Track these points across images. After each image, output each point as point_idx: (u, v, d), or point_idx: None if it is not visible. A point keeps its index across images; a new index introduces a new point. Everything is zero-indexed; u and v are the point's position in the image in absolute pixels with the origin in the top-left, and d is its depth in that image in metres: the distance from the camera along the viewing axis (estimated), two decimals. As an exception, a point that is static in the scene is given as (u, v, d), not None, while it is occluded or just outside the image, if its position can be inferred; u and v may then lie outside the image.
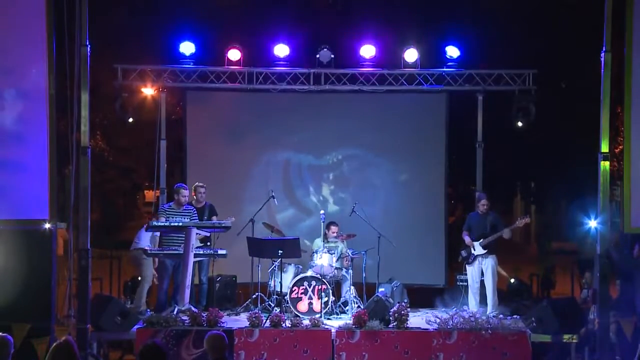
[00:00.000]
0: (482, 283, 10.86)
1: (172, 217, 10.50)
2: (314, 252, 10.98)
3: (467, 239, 10.96)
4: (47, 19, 8.82)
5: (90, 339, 9.20)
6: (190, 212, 10.72)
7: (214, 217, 11.22)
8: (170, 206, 10.83)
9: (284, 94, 12.53)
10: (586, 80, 13.30)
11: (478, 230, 10.93)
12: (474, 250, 10.86)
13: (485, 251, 10.81)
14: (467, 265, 11.03)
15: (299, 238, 10.75)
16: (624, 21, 9.06)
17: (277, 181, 12.86)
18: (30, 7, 8.91)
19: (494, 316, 9.98)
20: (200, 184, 11.36)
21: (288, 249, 10.38)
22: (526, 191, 20.93)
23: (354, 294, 10.87)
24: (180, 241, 10.41)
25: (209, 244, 11.17)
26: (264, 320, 9.69)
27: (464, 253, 11.07)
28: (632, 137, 9.07)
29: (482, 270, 10.83)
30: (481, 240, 10.83)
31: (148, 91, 12.37)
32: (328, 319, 10.25)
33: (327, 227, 11.31)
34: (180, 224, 10.30)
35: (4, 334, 6.23)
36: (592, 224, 9.19)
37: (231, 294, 11.63)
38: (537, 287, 13.16)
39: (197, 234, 10.53)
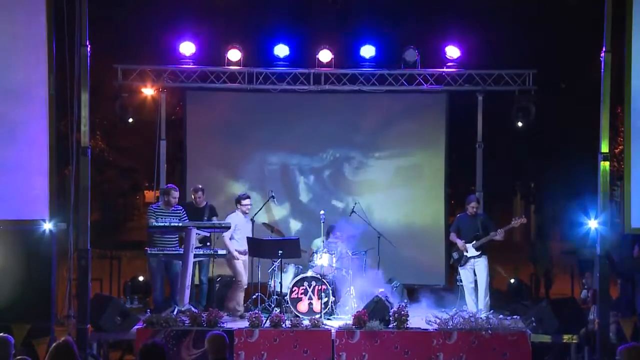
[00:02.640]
0: (476, 283, 10.86)
1: (161, 218, 10.49)
2: (314, 253, 10.97)
3: (459, 242, 10.94)
4: (47, 19, 8.81)
5: (90, 339, 9.19)
6: (179, 213, 10.70)
7: (214, 218, 11.23)
8: (158, 206, 10.82)
9: (283, 94, 12.53)
10: (586, 80, 13.30)
11: (469, 232, 10.91)
12: (467, 252, 10.86)
13: (478, 253, 10.82)
14: (459, 268, 11.03)
15: (298, 238, 10.74)
16: (624, 21, 9.05)
17: (276, 181, 12.87)
18: (30, 7, 8.90)
19: (486, 317, 9.96)
20: (199, 187, 11.36)
21: (288, 249, 10.35)
22: (526, 191, 20.92)
23: (353, 294, 10.86)
24: (171, 241, 10.44)
25: (208, 244, 11.17)
26: (264, 321, 9.69)
27: (455, 255, 11.06)
28: (632, 137, 9.06)
29: (474, 271, 10.84)
30: (474, 242, 10.83)
31: (148, 91, 12.37)
32: (328, 319, 10.24)
33: (331, 232, 11.26)
34: (174, 224, 10.32)
35: (5, 335, 6.23)
36: (592, 224, 9.18)
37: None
38: (536, 287, 13.16)
39: (197, 234, 10.54)
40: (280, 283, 10.53)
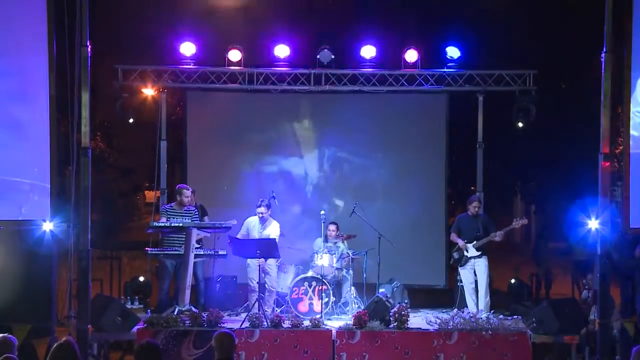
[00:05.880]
0: (476, 283, 10.86)
1: (173, 218, 10.53)
2: (314, 253, 10.98)
3: (459, 242, 10.94)
4: (47, 19, 8.82)
5: (90, 340, 9.19)
6: (192, 213, 10.74)
7: (205, 217, 11.25)
8: (171, 207, 10.86)
9: (284, 95, 12.54)
10: (586, 80, 13.32)
11: (470, 232, 10.92)
12: (467, 252, 10.86)
13: (479, 253, 10.82)
14: (459, 268, 11.04)
15: (275, 239, 10.63)
16: (624, 21, 9.06)
17: (277, 181, 12.86)
18: (31, 7, 8.91)
19: (486, 317, 9.96)
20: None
21: (265, 249, 10.25)
22: (526, 191, 20.92)
23: (354, 295, 10.88)
24: (181, 242, 10.42)
25: (201, 244, 11.08)
26: (264, 321, 9.69)
27: (455, 255, 11.07)
28: (632, 137, 9.06)
29: (474, 271, 10.84)
30: (475, 242, 10.83)
31: (148, 92, 12.36)
32: (328, 319, 10.25)
33: (326, 226, 11.30)
34: (181, 224, 10.31)
35: (8, 335, 6.23)
36: (592, 224, 9.18)
37: (231, 294, 11.63)
38: (537, 288, 13.16)
39: (197, 234, 10.53)
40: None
